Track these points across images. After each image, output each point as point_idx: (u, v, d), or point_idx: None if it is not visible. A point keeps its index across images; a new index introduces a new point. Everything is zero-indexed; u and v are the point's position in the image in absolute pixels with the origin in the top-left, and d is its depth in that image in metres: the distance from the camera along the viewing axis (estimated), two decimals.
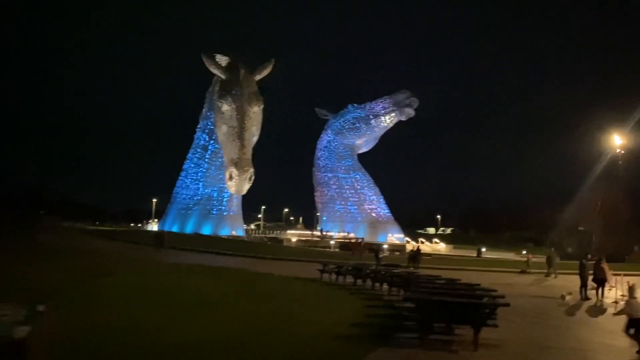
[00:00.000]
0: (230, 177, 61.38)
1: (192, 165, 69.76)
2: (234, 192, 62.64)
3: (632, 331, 10.00)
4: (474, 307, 9.09)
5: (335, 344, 9.10)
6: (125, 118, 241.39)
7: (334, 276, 22.30)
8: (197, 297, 13.89)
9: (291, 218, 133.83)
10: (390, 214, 78.72)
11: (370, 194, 79.40)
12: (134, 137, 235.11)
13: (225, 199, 66.75)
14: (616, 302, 18.56)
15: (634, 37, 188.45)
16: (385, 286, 18.49)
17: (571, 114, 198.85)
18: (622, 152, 55.44)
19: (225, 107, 61.82)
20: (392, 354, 8.63)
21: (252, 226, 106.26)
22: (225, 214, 66.91)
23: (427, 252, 66.22)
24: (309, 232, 76.43)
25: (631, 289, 10.57)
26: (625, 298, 18.40)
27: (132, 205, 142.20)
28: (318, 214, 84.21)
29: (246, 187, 62.73)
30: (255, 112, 62.57)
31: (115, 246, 39.61)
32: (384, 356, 8.41)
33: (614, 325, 13.75)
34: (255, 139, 63.81)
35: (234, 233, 64.83)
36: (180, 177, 71.15)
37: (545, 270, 32.47)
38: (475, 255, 59.32)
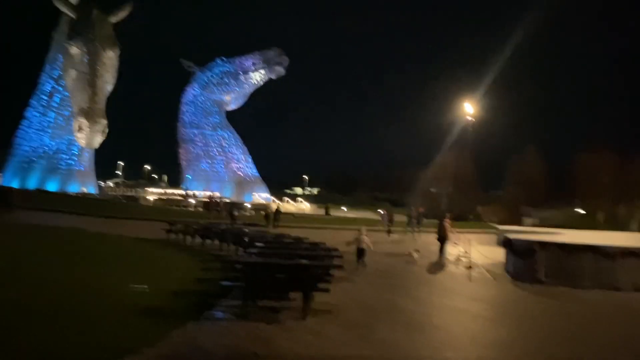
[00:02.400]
0: (80, 129, 55.75)
1: (37, 114, 62.14)
2: (84, 145, 57.16)
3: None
4: (302, 270, 8.12)
5: (137, 319, 7.65)
6: None
7: (181, 236, 20.70)
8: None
9: (154, 176, 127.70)
10: (257, 174, 77.78)
11: (237, 152, 77.54)
12: None
13: (74, 153, 60.66)
14: (458, 259, 19.32)
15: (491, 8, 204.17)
16: (232, 247, 17.29)
17: (433, 83, 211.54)
18: (472, 119, 59.40)
19: (74, 50, 55.52)
20: (203, 328, 7.40)
21: (111, 183, 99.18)
22: (75, 169, 60.98)
23: (292, 211, 66.93)
24: (170, 191, 72.73)
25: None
26: (467, 255, 19.41)
27: None
28: (183, 172, 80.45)
29: (98, 140, 57.40)
30: (110, 58, 57.08)
31: None
32: (192, 332, 7.12)
33: (452, 283, 13.99)
34: (109, 87, 58.38)
35: (84, 190, 59.35)
36: (21, 127, 63.00)
37: (405, 229, 33.80)
38: (324, 214, 60.86)
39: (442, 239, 20.83)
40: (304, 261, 8.79)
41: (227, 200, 57.74)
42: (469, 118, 58.58)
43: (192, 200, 59.18)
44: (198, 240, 20.02)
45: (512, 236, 18.42)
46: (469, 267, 16.47)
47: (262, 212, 40.52)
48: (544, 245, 15.29)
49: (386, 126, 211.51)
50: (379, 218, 41.02)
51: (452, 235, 22.30)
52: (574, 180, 61.17)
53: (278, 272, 8.28)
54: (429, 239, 26.14)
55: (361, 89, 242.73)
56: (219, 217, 37.17)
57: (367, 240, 15.68)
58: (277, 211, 36.42)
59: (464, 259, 18.78)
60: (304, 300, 8.06)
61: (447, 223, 21.24)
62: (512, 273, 16.25)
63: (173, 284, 10.27)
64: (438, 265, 18.50)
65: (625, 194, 58.19)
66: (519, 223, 52.31)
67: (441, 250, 20.62)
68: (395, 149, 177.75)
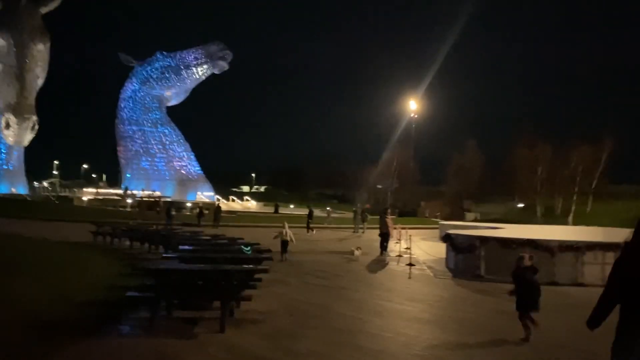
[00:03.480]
0: (7, 126, 52.25)
1: None
2: (12, 143, 53.58)
3: None
4: (220, 276, 7.25)
5: (25, 335, 6.58)
6: None
7: (109, 239, 19.32)
8: None
9: (93, 175, 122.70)
10: (201, 172, 75.54)
11: (179, 150, 75.00)
12: None
13: (2, 151, 56.86)
14: (400, 256, 18.95)
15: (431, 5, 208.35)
16: (161, 249, 16.16)
17: (377, 81, 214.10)
18: (416, 116, 60.04)
19: (0, 42, 51.97)
20: (100, 345, 6.42)
21: (45, 183, 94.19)
22: (3, 168, 57.19)
23: (237, 209, 65.55)
24: (106, 191, 69.56)
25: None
26: (409, 252, 19.10)
27: None
28: (122, 171, 77.22)
29: (28, 137, 53.92)
30: (40, 51, 53.69)
31: None
32: (85, 351, 6.14)
33: (392, 283, 13.48)
34: (40, 81, 54.96)
35: (13, 190, 55.79)
36: None
37: (351, 226, 33.46)
38: (273, 211, 59.98)
39: (384, 235, 20.46)
40: (225, 266, 7.91)
41: (166, 200, 55.65)
42: (413, 115, 59.24)
43: (130, 200, 56.64)
44: (127, 243, 18.76)
45: (453, 231, 18.22)
46: (410, 265, 16.09)
47: (196, 211, 38.83)
48: (484, 240, 15.07)
49: (334, 123, 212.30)
50: (325, 215, 40.64)
51: (394, 231, 22.01)
52: (511, 174, 62.95)
53: (193, 279, 7.38)
54: (374, 235, 25.80)
55: (308, 84, 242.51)
56: (159, 217, 35.57)
57: (290, 233, 17.41)
58: (218, 209, 35.10)
59: (405, 256, 18.46)
60: (222, 310, 7.21)
61: (389, 219, 20.89)
62: (453, 269, 15.99)
63: (82, 293, 9.17)
64: (379, 262, 18.04)
65: (561, 187, 60.43)
66: (462, 218, 53.28)
67: (382, 246, 20.23)
68: (342, 146, 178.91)
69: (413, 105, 58.65)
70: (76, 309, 8.03)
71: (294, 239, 17.72)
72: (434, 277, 14.74)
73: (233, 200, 75.26)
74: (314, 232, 30.43)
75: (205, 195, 70.93)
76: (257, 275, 8.51)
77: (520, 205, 68.21)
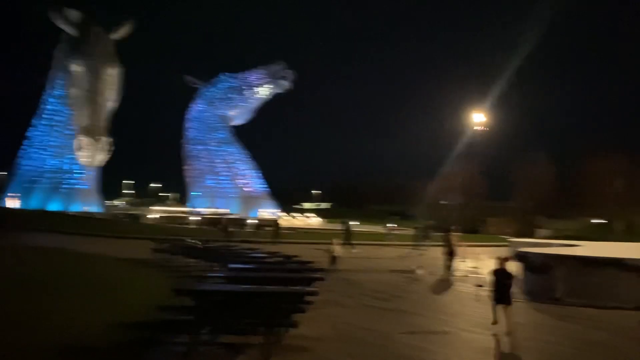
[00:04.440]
0: (81, 147, 55.08)
1: (38, 134, 61.59)
2: (86, 164, 56.38)
3: None
4: (265, 299, 6.59)
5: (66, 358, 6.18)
6: None
7: (167, 256, 19.25)
8: None
9: (166, 194, 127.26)
10: (263, 189, 76.45)
11: (243, 168, 76.40)
12: None
13: (76, 172, 59.76)
14: (466, 276, 17.68)
15: (495, 19, 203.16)
16: (216, 266, 15.77)
17: (438, 94, 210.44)
18: (482, 129, 57.84)
19: (75, 68, 55.03)
20: None
21: (116, 202, 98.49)
22: (77, 188, 60.04)
23: (299, 226, 65.36)
24: (174, 209, 71.61)
25: None
26: (476, 271, 17.79)
27: None
28: (189, 189, 79.46)
29: (100, 158, 56.67)
30: (111, 75, 56.47)
31: None
32: None
33: (458, 306, 12.37)
34: (111, 104, 57.76)
35: (86, 209, 58.30)
36: (23, 147, 62.43)
37: (413, 243, 32.14)
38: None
39: (449, 253, 19.20)
40: (270, 288, 7.26)
41: (228, 217, 56.32)
42: (478, 127, 57.09)
43: (194, 217, 57.80)
44: (185, 260, 18.59)
45: (525, 250, 16.76)
46: (478, 286, 14.82)
47: (219, 226, 38.18)
48: (561, 259, 13.66)
49: (396, 137, 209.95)
50: (386, 232, 39.50)
51: (459, 248, 20.67)
52: (585, 188, 59.03)
53: (235, 301, 6.77)
54: (437, 253, 24.48)
55: (369, 98, 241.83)
56: (221, 234, 35.78)
57: (338, 249, 19.21)
58: (276, 226, 34.67)
59: (472, 276, 17.18)
60: (266, 336, 6.54)
61: (453, 236, 19.62)
62: (526, 291, 14.58)
63: (125, 314, 8.80)
64: (444, 283, 16.84)
65: None
66: (532, 235, 50.30)
67: (447, 266, 18.98)
68: (404, 161, 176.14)
69: (477, 117, 56.62)
70: (115, 332, 7.62)
71: (341, 254, 19.26)
72: None
73: (293, 217, 75.36)
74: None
75: (268, 212, 71.47)
76: (307, 298, 7.79)
77: (596, 221, 63.83)
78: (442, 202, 66.82)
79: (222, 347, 6.90)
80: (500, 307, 9.52)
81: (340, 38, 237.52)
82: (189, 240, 21.59)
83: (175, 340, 7.22)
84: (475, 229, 54.87)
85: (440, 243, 23.03)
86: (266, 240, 32.08)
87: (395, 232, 38.66)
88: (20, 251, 19.82)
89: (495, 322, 9.43)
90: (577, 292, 12.58)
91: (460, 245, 20.92)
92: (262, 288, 7.21)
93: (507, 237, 41.01)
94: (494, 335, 9.07)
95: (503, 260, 9.95)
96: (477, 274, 16.03)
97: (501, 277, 9.71)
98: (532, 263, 14.55)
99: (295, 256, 14.07)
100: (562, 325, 10.38)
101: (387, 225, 39.90)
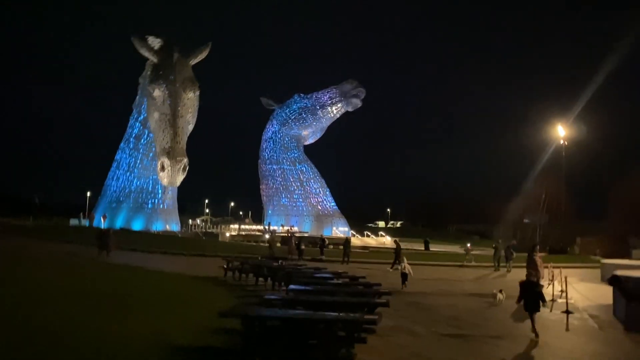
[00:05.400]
0: (162, 168, 57.41)
1: (124, 156, 65.19)
2: (166, 184, 58.45)
3: None
4: (320, 326, 5.97)
5: None
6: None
7: (237, 274, 19.20)
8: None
9: (240, 212, 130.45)
10: (336, 207, 76.37)
11: (316, 186, 76.85)
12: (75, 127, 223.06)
13: (159, 192, 62.51)
14: (553, 300, 16.15)
15: (578, 30, 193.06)
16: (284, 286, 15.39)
17: (517, 107, 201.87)
18: (566, 143, 54.58)
19: (157, 93, 57.61)
20: None
21: (198, 221, 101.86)
22: (159, 207, 62.73)
23: (372, 245, 64.38)
24: (249, 227, 73.05)
25: None
26: (564, 296, 16.19)
27: (72, 198, 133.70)
28: (265, 207, 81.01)
29: (180, 178, 58.71)
30: (190, 98, 58.61)
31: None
32: None
33: (545, 336, 11.10)
34: (190, 127, 59.83)
35: (167, 228, 60.70)
36: (111, 169, 66.41)
37: (492, 264, 30.47)
38: (423, 248, 57.20)
39: (533, 275, 17.68)
40: (325, 315, 6.61)
41: (301, 235, 56.43)
42: (562, 141, 53.84)
43: (268, 235, 58.47)
44: (256, 278, 18.40)
45: (621, 272, 15.04)
46: (567, 312, 13.40)
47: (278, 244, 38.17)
48: None
49: (472, 153, 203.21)
50: (463, 251, 37.68)
51: (545, 270, 19.07)
52: None
53: (285, 328, 6.23)
54: (520, 275, 22.77)
55: (442, 116, 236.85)
56: (292, 252, 35.73)
57: (408, 267, 19.34)
58: (347, 243, 33.86)
59: (559, 301, 15.64)
60: None
61: (538, 257, 18.09)
62: (623, 320, 12.97)
63: (188, 335, 8.50)
64: None
65: None
66: (628, 256, 46.21)
67: None
68: (483, 178, 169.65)
69: (562, 131, 53.50)
70: (174, 354, 7.30)
71: (412, 272, 19.31)
72: (599, 330, 12.01)
73: (368, 236, 74.47)
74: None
75: (340, 230, 71.17)
76: (371, 326, 7.09)
77: None
78: (525, 220, 63.49)
79: None
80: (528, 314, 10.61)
81: (412, 53, 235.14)
82: (260, 259, 21.46)
83: None
84: (564, 249, 51.38)
85: (523, 264, 21.41)
86: (337, 259, 31.56)
87: (473, 252, 36.79)
88: (105, 268, 20.57)
89: (536, 334, 10.37)
90: None
91: (546, 267, 19.33)
92: (315, 315, 6.62)
93: (599, 257, 37.92)
94: None
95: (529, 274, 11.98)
96: (565, 298, 14.49)
97: (529, 288, 10.96)
98: (631, 288, 12.94)
99: (363, 277, 13.37)
100: None
101: (467, 245, 37.98)
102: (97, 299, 12.24)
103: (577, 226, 63.71)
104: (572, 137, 54.88)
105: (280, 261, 20.49)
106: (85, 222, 64.52)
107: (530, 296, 10.66)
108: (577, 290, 18.15)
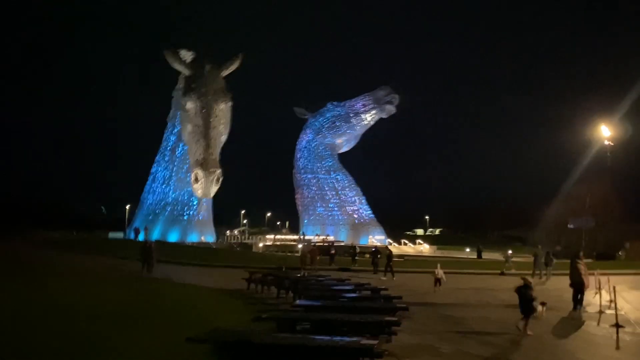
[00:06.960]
0: (196, 179, 57.70)
1: (160, 169, 66.22)
2: (200, 195, 58.83)
3: None
4: (314, 356, 5.10)
5: None
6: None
7: (259, 287, 18.53)
8: None
9: (278, 223, 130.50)
10: (372, 216, 75.25)
11: (351, 194, 76.02)
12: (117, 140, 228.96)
13: (194, 203, 62.94)
14: (601, 312, 14.72)
15: (621, 30, 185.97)
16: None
17: (558, 108, 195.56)
18: (611, 144, 52.01)
19: (189, 105, 58.16)
20: None
21: (236, 232, 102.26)
22: (195, 219, 63.13)
23: (410, 253, 62.92)
24: (284, 237, 72.72)
25: None
26: (613, 307, 14.71)
27: (111, 211, 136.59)
28: (300, 217, 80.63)
29: (213, 189, 58.84)
30: (222, 110, 58.87)
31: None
32: None
33: (591, 355, 9.86)
34: (223, 138, 60.05)
35: (202, 239, 60.95)
36: (148, 182, 67.47)
37: (532, 271, 28.76)
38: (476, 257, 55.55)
39: (577, 285, 16.22)
40: (317, 341, 5.72)
41: (335, 244, 55.53)
42: (607, 142, 51.29)
43: (300, 245, 57.84)
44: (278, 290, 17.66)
45: None
46: (617, 326, 12.02)
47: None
48: None
49: (512, 157, 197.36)
50: (503, 258, 35.95)
51: (591, 278, 17.44)
52: None
53: (277, 356, 5.40)
54: (562, 284, 21.20)
55: (478, 121, 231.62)
56: (325, 262, 34.93)
57: (441, 273, 20.36)
58: (375, 253, 32.54)
59: (608, 313, 14.23)
60: None
61: (582, 264, 16.58)
62: None
63: (179, 354, 7.77)
64: (571, 322, 14.03)
65: None
66: None
67: (575, 300, 16.03)
68: (524, 182, 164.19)
69: (606, 131, 50.97)
70: None
71: (445, 278, 20.28)
72: None
73: (405, 244, 72.97)
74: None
75: (377, 239, 69.91)
76: (385, 346, 6.17)
77: None
78: (570, 225, 60.77)
79: None
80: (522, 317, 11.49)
81: (448, 58, 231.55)
82: (284, 270, 20.74)
83: None
84: (612, 255, 48.69)
85: (565, 272, 19.88)
86: (366, 268, 30.53)
87: (513, 259, 35.03)
88: (127, 281, 20.29)
89: (527, 333, 11.37)
90: None
91: (592, 274, 17.76)
92: (310, 340, 5.73)
93: None
94: None
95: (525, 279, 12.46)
96: (615, 310, 13.02)
97: (523, 291, 11.97)
98: None
99: (385, 289, 12.38)
100: None
101: (507, 252, 36.19)
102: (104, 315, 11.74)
103: (626, 229, 60.49)
104: (617, 137, 52.23)
105: (303, 272, 19.70)
106: (129, 235, 65.26)
107: (524, 300, 11.75)
108: (627, 300, 16.52)
